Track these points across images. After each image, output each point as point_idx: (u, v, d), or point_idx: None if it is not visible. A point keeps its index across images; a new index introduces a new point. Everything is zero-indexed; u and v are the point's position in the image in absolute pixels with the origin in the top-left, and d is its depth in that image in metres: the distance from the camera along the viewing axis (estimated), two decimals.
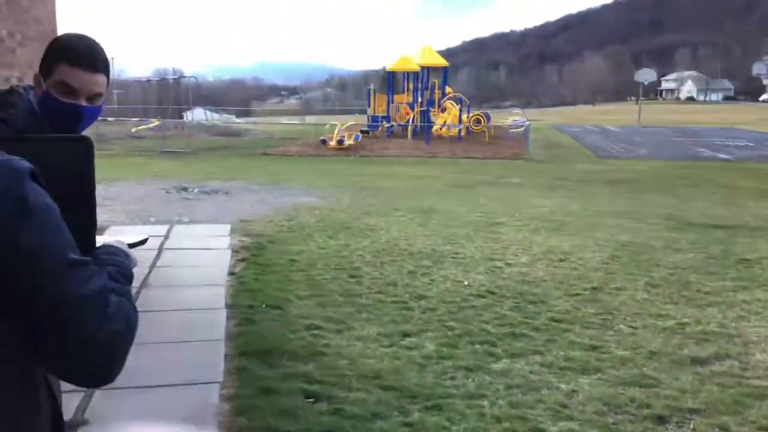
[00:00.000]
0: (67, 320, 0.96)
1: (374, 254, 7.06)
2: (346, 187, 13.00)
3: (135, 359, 1.18)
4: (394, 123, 27.86)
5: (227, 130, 29.33)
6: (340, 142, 23.65)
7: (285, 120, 36.80)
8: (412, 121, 27.09)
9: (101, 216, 9.05)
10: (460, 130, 26.56)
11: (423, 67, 28.89)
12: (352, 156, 22.08)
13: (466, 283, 6.06)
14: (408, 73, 28.97)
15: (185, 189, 12.33)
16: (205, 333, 4.59)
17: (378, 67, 29.44)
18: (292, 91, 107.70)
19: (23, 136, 1.47)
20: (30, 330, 0.97)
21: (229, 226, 8.18)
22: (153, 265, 6.27)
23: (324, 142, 23.94)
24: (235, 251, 6.91)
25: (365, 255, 7.00)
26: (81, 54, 1.65)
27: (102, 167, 9.83)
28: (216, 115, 55.70)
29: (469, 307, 5.36)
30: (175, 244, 7.16)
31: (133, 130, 25.19)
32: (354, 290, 5.73)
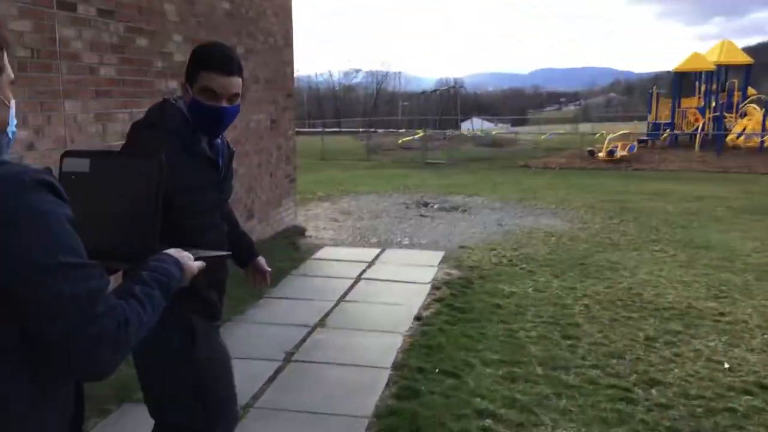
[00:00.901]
0: (53, 317, 1.06)
1: (605, 306, 5.55)
2: (603, 208, 11.26)
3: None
4: (679, 131, 24.50)
5: (492, 140, 28.63)
6: (611, 153, 21.37)
7: (555, 129, 34.94)
8: (702, 129, 23.47)
9: (328, 233, 8.84)
10: (762, 140, 22.27)
11: (720, 66, 24.91)
12: (622, 169, 19.75)
13: (726, 365, 4.31)
14: (700, 73, 25.19)
15: (425, 204, 11.78)
16: (353, 405, 3.71)
17: (672, 68, 26.06)
18: (573, 97, 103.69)
19: (108, 151, 1.93)
20: (23, 327, 1.07)
21: (442, 254, 7.26)
22: (341, 299, 5.63)
23: (591, 153, 21.87)
24: (435, 287, 5.97)
25: (592, 306, 5.53)
26: (218, 61, 1.93)
27: (362, 178, 10.70)
28: (491, 125, 55.86)
29: (724, 410, 3.70)
30: (375, 274, 6.47)
31: (400, 141, 25.79)
32: (562, 359, 4.39)
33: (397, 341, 4.65)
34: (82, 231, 1.16)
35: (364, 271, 6.54)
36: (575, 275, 6.49)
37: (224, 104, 1.97)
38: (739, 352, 4.55)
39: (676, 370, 4.22)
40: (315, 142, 26.82)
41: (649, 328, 5.01)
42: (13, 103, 1.23)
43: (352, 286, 6.00)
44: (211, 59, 1.96)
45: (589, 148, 22.51)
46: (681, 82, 25.85)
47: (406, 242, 8.21)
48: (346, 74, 60.89)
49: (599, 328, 5.00)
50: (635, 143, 22.78)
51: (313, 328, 4.89)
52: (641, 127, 28.26)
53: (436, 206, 11.61)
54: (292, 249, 7.34)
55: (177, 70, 5.45)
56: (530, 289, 5.99)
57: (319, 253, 7.32)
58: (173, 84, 5.37)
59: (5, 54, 1.19)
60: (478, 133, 30.24)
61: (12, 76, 1.21)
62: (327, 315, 5.21)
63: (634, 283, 6.23)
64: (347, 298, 5.68)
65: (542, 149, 26.31)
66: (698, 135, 23.22)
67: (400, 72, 60.89)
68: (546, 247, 7.81)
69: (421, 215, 10.58)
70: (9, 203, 1.06)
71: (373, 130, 27.11)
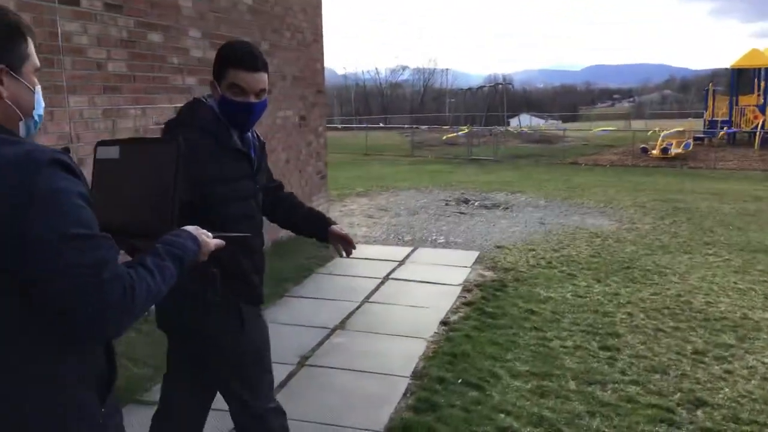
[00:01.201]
0: (63, 285, 1.14)
1: (650, 314, 5.10)
2: (654, 208, 10.67)
3: None
4: (736, 129, 23.37)
5: (540, 136, 27.89)
6: (665, 150, 20.49)
7: (606, 126, 33.85)
8: (762, 127, 22.31)
9: (362, 230, 8.57)
10: None
11: None
12: (677, 167, 18.90)
13: None
14: (759, 69, 23.95)
15: (466, 201, 11.39)
16: (364, 416, 3.41)
17: (729, 65, 24.91)
18: (626, 94, 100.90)
19: (136, 138, 2.24)
20: (37, 294, 1.15)
21: (476, 254, 6.89)
22: (366, 299, 5.34)
23: (645, 150, 21.02)
24: (466, 289, 5.61)
25: (636, 314, 5.09)
26: (244, 58, 2.05)
27: (404, 174, 11.07)
28: (542, 121, 54.67)
29: None
30: (405, 274, 6.14)
31: (444, 138, 25.35)
32: (598, 373, 4.00)
33: (420, 347, 4.33)
34: (110, 211, 1.30)
35: (393, 270, 6.22)
36: (619, 280, 6.04)
37: (252, 99, 2.06)
38: None
39: (726, 390, 3.78)
40: (360, 138, 26.65)
41: (698, 340, 4.56)
42: (38, 88, 1.33)
43: (378, 287, 5.70)
44: (236, 57, 2.05)
45: (642, 145, 21.65)
46: (739, 79, 24.64)
47: (441, 240, 7.86)
48: (393, 71, 60.49)
49: (642, 339, 4.57)
50: (690, 141, 21.81)
51: (333, 331, 4.62)
52: (697, 125, 27.08)
53: (476, 203, 11.21)
54: (321, 246, 7.07)
55: (195, 66, 5.25)
56: (569, 294, 5.58)
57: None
58: (191, 80, 5.16)
59: (30, 43, 1.30)
60: (525, 129, 29.46)
61: (37, 63, 1.32)
62: (349, 317, 4.92)
63: (683, 290, 5.75)
64: (372, 299, 5.38)
65: (592, 146, 25.48)
66: (758, 133, 22.06)
67: (447, 69, 60.11)
68: (589, 249, 7.35)
69: (461, 212, 10.21)
70: (27, 180, 1.14)
71: (416, 126, 26.68)
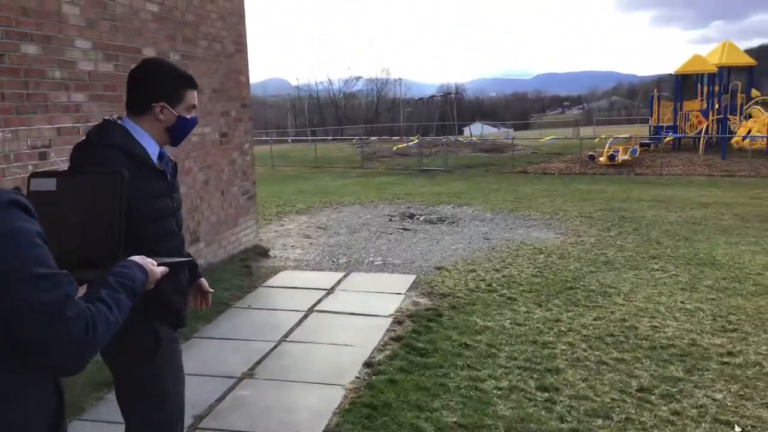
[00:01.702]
0: (27, 322, 1.17)
1: (592, 343, 4.67)
2: (600, 218, 10.37)
3: None
4: (681, 134, 23.56)
5: (491, 145, 27.71)
6: (611, 158, 20.45)
7: (556, 133, 33.98)
8: (705, 132, 22.52)
9: (295, 252, 7.99)
10: None
11: (722, 68, 23.94)
12: (625, 174, 18.84)
13: (738, 429, 3.43)
14: (702, 75, 24.23)
15: (411, 216, 10.93)
16: None
17: (672, 71, 25.04)
18: (576, 101, 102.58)
19: (72, 170, 1.88)
20: (3, 331, 1.17)
21: (413, 278, 6.39)
22: (284, 338, 4.77)
23: (592, 157, 20.95)
24: (397, 321, 5.09)
25: (578, 344, 4.65)
26: (192, 78, 2.20)
27: (351, 187, 9.79)
28: (494, 130, 54.86)
29: None
30: (333, 304, 5.59)
31: (394, 148, 24.91)
32: (535, 420, 3.51)
33: (337, 397, 3.79)
34: (52, 243, 1.27)
35: (319, 300, 5.67)
36: (561, 303, 5.61)
37: (194, 114, 2.23)
38: (752, 407, 3.66)
39: None
40: (312, 150, 26.06)
41: (644, 373, 4.13)
42: None
43: (300, 321, 5.13)
44: (189, 79, 2.18)
45: (589, 153, 21.60)
46: (683, 85, 24.87)
47: (378, 262, 7.34)
48: (347, 82, 60.00)
49: (584, 374, 4.12)
50: (637, 147, 21.85)
51: (239, 380, 4.04)
52: (643, 131, 27.30)
53: (421, 218, 10.76)
54: (244, 275, 6.48)
55: (85, 80, 4.62)
56: (507, 322, 5.11)
57: (274, 279, 6.44)
58: (79, 96, 4.54)
59: None
60: (473, 138, 29.26)
61: None
62: (260, 361, 4.34)
63: (628, 313, 5.34)
64: (291, 336, 4.80)
65: (542, 154, 25.41)
66: (702, 138, 22.27)
67: (400, 79, 59.87)
68: (532, 267, 6.93)
69: (404, 229, 9.72)
70: None
71: (365, 137, 26.20)
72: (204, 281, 2.49)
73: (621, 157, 20.52)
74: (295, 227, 9.78)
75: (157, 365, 2.14)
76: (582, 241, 8.52)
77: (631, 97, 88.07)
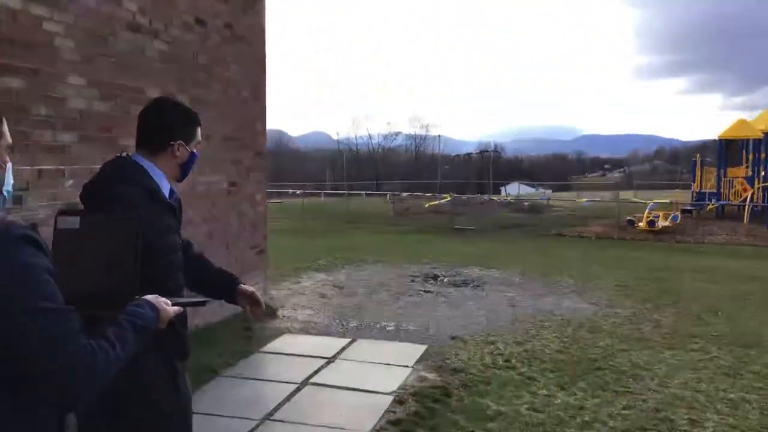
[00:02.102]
0: (32, 354, 1.20)
1: None
2: (637, 288, 9.68)
3: None
4: (725, 201, 22.63)
5: (528, 206, 27.11)
6: (652, 223, 19.65)
7: (594, 195, 33.21)
8: (750, 200, 21.56)
9: (305, 313, 7.54)
10: None
11: None
12: (664, 241, 18.00)
13: None
14: (747, 140, 23.42)
15: (435, 278, 10.40)
16: None
17: (716, 136, 24.31)
18: (617, 164, 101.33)
19: (97, 210, 1.86)
20: (6, 361, 1.21)
21: (423, 349, 5.84)
22: (268, 416, 4.24)
23: (631, 223, 20.17)
24: (399, 401, 4.54)
25: None
26: (198, 116, 2.31)
27: (379, 245, 10.45)
28: (532, 190, 54.20)
29: None
30: (330, 377, 5.04)
31: (426, 205, 24.48)
32: None
33: None
34: (71, 279, 1.36)
35: (317, 371, 5.14)
36: (587, 386, 4.99)
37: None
38: None
39: None
40: (345, 204, 25.86)
41: None
42: (9, 165, 1.43)
43: (291, 396, 4.60)
44: (197, 116, 2.29)
45: (628, 218, 20.82)
46: (727, 151, 24.09)
47: (390, 328, 6.81)
48: (386, 137, 60.41)
49: None
50: (678, 213, 21.01)
51: None
52: (685, 196, 26.40)
53: (445, 280, 10.22)
54: (243, 337, 6.02)
55: (75, 120, 4.35)
56: (524, 407, 4.51)
57: (273, 344, 5.94)
58: (68, 136, 4.26)
59: (4, 122, 1.40)
60: (508, 198, 28.70)
61: (9, 141, 1.42)
62: None
63: (662, 401, 4.70)
64: (277, 415, 4.27)
65: (579, 217, 24.68)
66: (747, 206, 21.30)
67: (439, 135, 60.01)
68: (558, 341, 6.31)
69: (425, 291, 9.20)
70: (1, 254, 1.20)
71: (396, 193, 25.89)
72: (245, 286, 2.44)
73: (661, 223, 19.71)
74: (311, 285, 9.34)
75: (174, 399, 2.12)
76: (616, 313, 7.86)
77: (674, 162, 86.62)
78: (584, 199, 26.50)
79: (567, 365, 5.50)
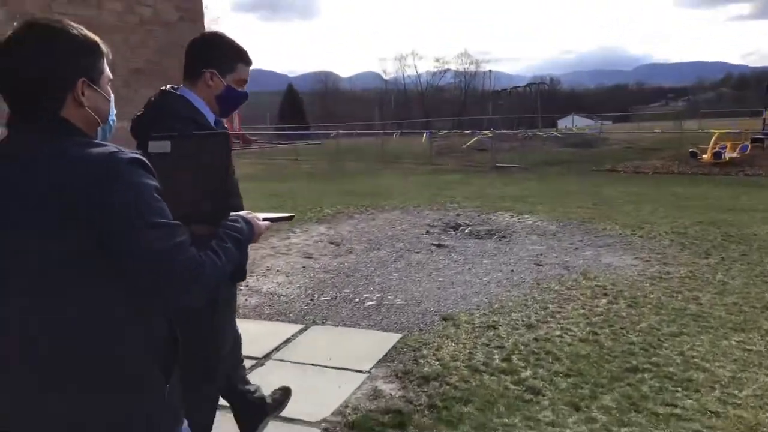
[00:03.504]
0: (145, 265, 1.28)
1: None
2: (697, 236, 7.84)
3: None
4: None
5: (581, 140, 24.75)
6: (718, 155, 17.26)
7: (656, 126, 30.28)
8: None
9: (274, 282, 6.11)
10: None
11: None
12: (732, 175, 15.70)
13: None
14: None
15: (455, 227, 8.80)
16: None
17: None
18: (681, 92, 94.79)
19: (183, 133, 1.81)
20: (128, 273, 1.30)
21: (395, 340, 4.29)
22: None
23: (694, 155, 17.82)
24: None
25: None
26: (247, 54, 2.19)
27: (408, 186, 7.62)
28: (591, 122, 50.85)
29: None
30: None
31: (464, 146, 22.44)
32: None
33: None
34: (169, 200, 1.35)
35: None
36: (613, 403, 3.37)
37: (245, 89, 2.22)
38: None
39: None
40: (387, 143, 24.18)
41: None
42: (112, 96, 1.47)
43: None
44: (245, 53, 2.19)
45: (691, 149, 18.43)
46: None
47: (371, 302, 5.28)
48: (434, 75, 57.48)
49: None
50: (748, 143, 18.44)
51: None
52: (755, 125, 23.46)
53: (467, 230, 8.61)
54: None
55: None
56: None
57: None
58: None
59: (105, 59, 1.43)
60: (555, 132, 26.23)
61: (111, 76, 1.46)
62: None
63: (726, 429, 3.06)
64: None
65: (637, 149, 22.27)
66: None
67: (490, 71, 56.59)
68: (584, 322, 4.66)
69: (439, 245, 7.62)
70: (112, 175, 1.26)
71: (433, 131, 23.93)
72: None
73: (729, 154, 17.31)
74: (301, 241, 7.88)
75: (211, 326, 2.17)
76: (668, 273, 6.12)
77: (742, 89, 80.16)
78: (640, 132, 23.94)
79: (590, 365, 3.86)
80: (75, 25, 1.40)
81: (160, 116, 2.05)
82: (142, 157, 1.32)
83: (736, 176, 15.54)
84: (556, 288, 5.58)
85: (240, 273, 2.27)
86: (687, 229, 8.38)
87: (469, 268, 6.47)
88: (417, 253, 7.23)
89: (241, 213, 1.60)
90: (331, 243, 7.76)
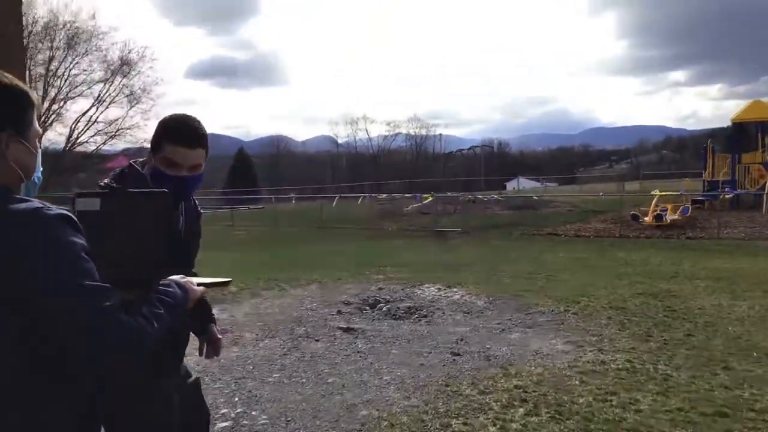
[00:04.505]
0: (71, 333, 1.17)
1: None
2: (637, 311, 6.96)
3: None
4: (742, 190, 19.64)
5: (523, 202, 24.23)
6: (659, 218, 16.77)
7: (599, 188, 30.16)
8: None
9: None
10: None
11: None
12: (674, 238, 15.13)
13: None
14: (763, 123, 20.40)
15: (373, 305, 7.70)
16: None
17: (727, 122, 21.52)
18: (624, 155, 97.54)
19: (114, 190, 1.64)
20: (54, 338, 1.19)
21: None
22: None
23: (635, 218, 17.29)
24: None
25: None
26: (182, 134, 1.94)
27: (337, 256, 7.59)
28: (538, 185, 51.11)
29: None
30: None
31: (405, 209, 21.59)
32: None
33: None
34: (96, 261, 1.25)
35: None
36: None
37: (184, 173, 1.95)
38: None
39: None
40: (328, 208, 23.17)
41: None
42: (39, 151, 1.37)
43: None
44: (174, 132, 1.96)
45: (632, 212, 17.94)
46: (740, 135, 21.09)
47: (225, 424, 4.03)
48: (386, 138, 57.47)
49: None
50: (689, 205, 18.07)
51: None
52: (695, 186, 23.38)
53: (384, 308, 7.51)
54: None
55: None
56: None
57: None
58: None
59: (34, 111, 1.33)
60: (495, 195, 25.72)
61: (39, 130, 1.37)
62: None
63: None
64: None
65: (580, 212, 21.80)
66: (766, 194, 18.30)
67: (441, 134, 56.89)
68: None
69: (346, 329, 6.48)
70: (36, 233, 1.17)
71: (374, 195, 23.12)
72: (215, 329, 2.33)
73: (670, 216, 16.85)
74: None
75: (156, 393, 1.97)
76: (603, 363, 5.11)
77: (681, 151, 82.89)
78: (578, 195, 23.59)
79: None
80: (3, 73, 1.30)
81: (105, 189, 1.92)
82: (69, 214, 1.25)
83: (678, 239, 14.98)
84: (467, 392, 4.47)
85: (173, 342, 2.06)
86: (627, 302, 7.48)
87: (371, 362, 5.33)
88: (317, 341, 6.07)
89: (174, 277, 1.48)
90: (222, 328, 6.53)
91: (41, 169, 1.40)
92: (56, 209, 1.23)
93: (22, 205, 1.21)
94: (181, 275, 1.53)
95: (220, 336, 2.35)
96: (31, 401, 1.22)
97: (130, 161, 2.07)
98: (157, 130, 1.98)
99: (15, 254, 1.16)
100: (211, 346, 2.32)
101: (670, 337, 5.89)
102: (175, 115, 2.03)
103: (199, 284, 1.56)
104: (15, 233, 1.17)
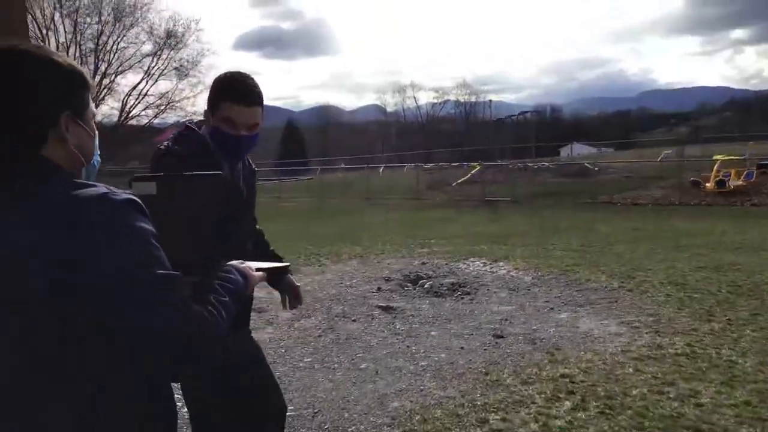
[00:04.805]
0: (143, 325, 1.07)
1: None
2: (698, 287, 6.45)
3: None
4: None
5: (578, 169, 23.33)
6: (721, 184, 15.80)
7: (658, 153, 28.80)
8: None
9: None
10: None
11: None
12: (737, 205, 14.23)
13: None
14: None
15: (414, 282, 7.41)
16: None
17: None
18: (684, 118, 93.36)
19: (171, 174, 1.54)
20: (115, 332, 1.09)
21: None
22: None
23: (696, 183, 16.36)
24: None
25: None
26: (240, 92, 1.90)
27: (383, 227, 7.60)
28: (594, 150, 49.50)
29: None
30: None
31: (454, 184, 20.97)
32: None
33: None
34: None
35: None
36: None
37: (243, 132, 1.93)
38: None
39: None
40: (373, 178, 22.89)
41: None
42: (96, 133, 1.32)
43: None
44: (233, 90, 1.92)
45: (693, 178, 16.98)
46: None
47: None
48: (434, 105, 56.46)
49: None
50: (754, 169, 16.96)
51: None
52: (762, 150, 21.97)
53: (427, 284, 7.20)
54: None
55: None
56: None
57: None
58: None
59: (89, 92, 1.27)
60: (546, 163, 24.81)
61: (95, 111, 1.31)
62: None
63: None
64: None
65: (636, 179, 20.82)
66: None
67: (490, 100, 55.45)
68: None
69: (385, 308, 6.22)
70: (104, 219, 1.10)
71: (421, 164, 22.62)
72: (291, 278, 2.36)
73: (733, 182, 15.83)
74: None
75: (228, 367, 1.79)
76: (659, 347, 4.67)
77: (746, 114, 78.73)
78: (637, 161, 22.53)
79: None
80: (58, 53, 1.24)
81: (157, 152, 1.95)
82: (136, 199, 1.17)
83: (742, 206, 14.07)
84: (508, 382, 4.13)
85: (244, 320, 2.12)
86: (686, 278, 6.95)
87: (408, 345, 5.04)
88: (353, 321, 5.83)
89: (233, 263, 1.40)
90: (253, 311, 6.36)
91: (99, 152, 1.36)
92: (123, 194, 1.18)
93: (89, 191, 1.15)
94: (240, 260, 1.45)
95: (297, 284, 2.38)
96: (31, 401, 1.18)
97: (187, 123, 2.04)
98: (212, 88, 1.94)
99: (82, 244, 1.08)
100: (293, 295, 2.36)
101: (734, 316, 5.38)
102: (230, 72, 1.98)
103: (258, 269, 1.49)
104: (85, 215, 1.11)
